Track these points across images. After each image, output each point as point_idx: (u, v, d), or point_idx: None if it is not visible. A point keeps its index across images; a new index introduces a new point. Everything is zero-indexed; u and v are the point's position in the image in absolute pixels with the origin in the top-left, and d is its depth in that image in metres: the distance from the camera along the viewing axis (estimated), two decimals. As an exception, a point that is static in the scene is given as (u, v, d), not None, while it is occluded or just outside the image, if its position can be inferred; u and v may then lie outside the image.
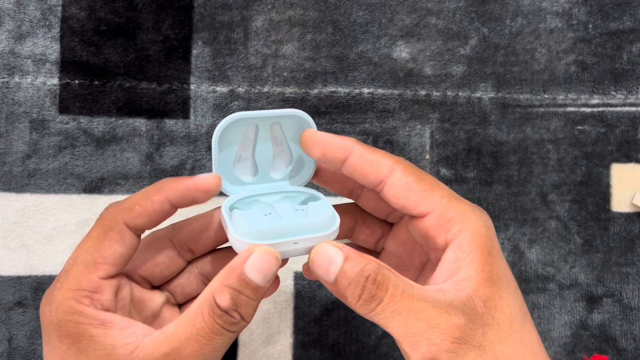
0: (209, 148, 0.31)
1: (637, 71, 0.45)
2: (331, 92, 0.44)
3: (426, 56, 0.45)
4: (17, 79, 0.43)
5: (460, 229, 0.27)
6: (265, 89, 0.44)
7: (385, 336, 0.43)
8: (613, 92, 0.45)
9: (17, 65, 0.43)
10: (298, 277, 0.43)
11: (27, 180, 0.42)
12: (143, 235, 0.30)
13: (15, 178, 0.42)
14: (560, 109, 0.45)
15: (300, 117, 0.31)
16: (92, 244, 0.28)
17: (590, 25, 0.45)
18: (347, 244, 0.32)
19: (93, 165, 0.43)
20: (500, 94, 0.45)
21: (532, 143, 0.44)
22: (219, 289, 0.26)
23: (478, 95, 0.45)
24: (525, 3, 0.45)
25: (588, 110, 0.45)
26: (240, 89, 0.44)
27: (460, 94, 0.44)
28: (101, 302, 0.28)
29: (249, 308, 0.27)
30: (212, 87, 0.44)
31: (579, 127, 0.45)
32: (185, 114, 0.43)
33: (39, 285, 0.42)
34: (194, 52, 0.44)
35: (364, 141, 0.44)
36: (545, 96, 0.45)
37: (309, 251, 0.29)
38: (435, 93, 0.44)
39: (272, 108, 0.44)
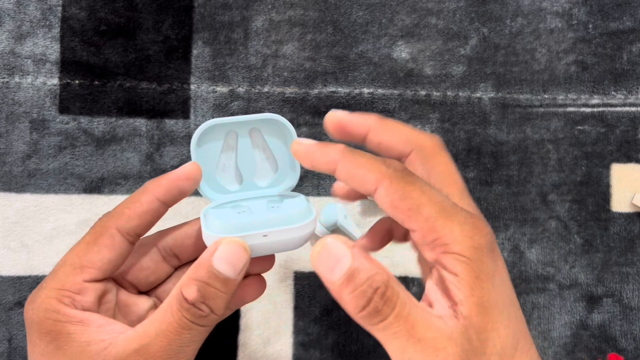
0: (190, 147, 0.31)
1: (637, 71, 0.45)
2: (331, 92, 0.44)
3: (426, 56, 0.45)
4: (17, 79, 0.43)
5: (444, 250, 0.24)
6: (266, 89, 0.44)
7: (385, 336, 0.43)
8: (613, 92, 0.45)
9: (18, 65, 0.43)
10: (298, 277, 0.43)
11: (27, 180, 0.42)
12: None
13: (15, 178, 0.42)
14: (560, 109, 0.45)
15: (277, 120, 0.31)
16: (82, 248, 0.29)
17: (591, 25, 0.45)
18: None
19: (93, 165, 0.43)
20: (500, 94, 0.45)
21: (532, 143, 0.44)
22: (186, 283, 0.26)
23: (478, 95, 0.45)
24: (526, 3, 0.45)
25: (588, 110, 0.45)
26: (240, 89, 0.44)
27: (460, 94, 0.45)
28: (82, 303, 0.28)
29: (218, 300, 0.27)
30: (212, 87, 0.44)
31: (579, 127, 0.45)
32: (185, 114, 0.43)
33: (39, 285, 0.42)
34: (194, 52, 0.44)
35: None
36: (546, 96, 0.45)
37: (283, 246, 0.28)
38: (435, 93, 0.44)
39: (272, 108, 0.44)
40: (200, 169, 0.30)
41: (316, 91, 0.44)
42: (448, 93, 0.44)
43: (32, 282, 0.42)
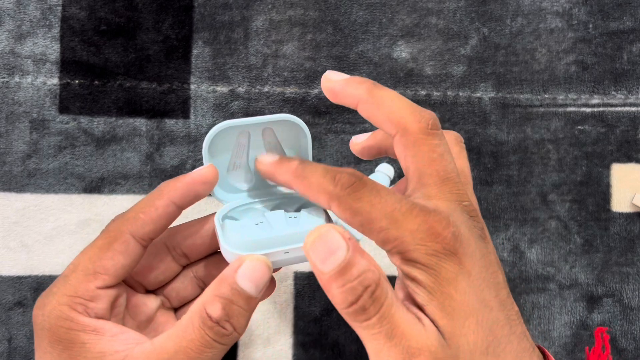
0: (202, 148, 0.31)
1: (638, 71, 0.45)
2: (331, 92, 0.44)
3: (426, 56, 0.45)
4: (17, 79, 0.43)
5: (401, 258, 0.24)
6: (266, 89, 0.44)
7: (386, 336, 0.43)
8: (613, 92, 0.45)
9: (17, 65, 0.43)
10: (298, 277, 0.43)
11: (27, 180, 0.42)
12: None
13: (15, 178, 0.42)
14: (561, 109, 0.45)
15: (291, 121, 0.31)
16: (94, 252, 0.28)
17: (591, 25, 0.45)
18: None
19: (93, 165, 0.43)
20: (500, 93, 0.45)
21: (532, 143, 0.44)
22: (210, 300, 0.26)
23: (478, 95, 0.45)
24: (526, 3, 0.45)
25: (588, 110, 0.45)
26: (240, 88, 0.44)
27: (460, 93, 0.44)
28: (95, 310, 0.27)
29: (241, 319, 0.26)
30: (212, 87, 0.44)
31: (579, 127, 0.45)
32: (185, 114, 0.43)
33: (39, 285, 0.42)
34: (194, 52, 0.44)
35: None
36: (546, 96, 0.45)
37: (301, 260, 0.28)
38: (435, 93, 0.44)
39: (273, 108, 0.44)
40: (217, 173, 0.30)
41: (316, 91, 0.44)
42: (448, 93, 0.44)
43: (32, 282, 0.42)
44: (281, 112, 0.44)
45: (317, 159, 0.44)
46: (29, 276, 0.42)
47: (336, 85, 0.28)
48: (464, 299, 0.23)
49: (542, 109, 0.45)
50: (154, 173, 0.43)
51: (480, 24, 0.45)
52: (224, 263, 0.28)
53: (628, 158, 0.45)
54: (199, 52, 0.44)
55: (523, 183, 0.44)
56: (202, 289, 0.32)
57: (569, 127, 0.45)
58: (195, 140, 0.43)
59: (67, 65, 0.43)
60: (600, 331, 0.43)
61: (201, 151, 0.43)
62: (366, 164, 0.44)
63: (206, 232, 0.31)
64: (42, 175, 0.43)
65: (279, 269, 0.32)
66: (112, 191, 0.43)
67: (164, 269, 0.31)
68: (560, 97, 0.45)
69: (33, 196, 0.42)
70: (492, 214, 0.44)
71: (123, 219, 0.29)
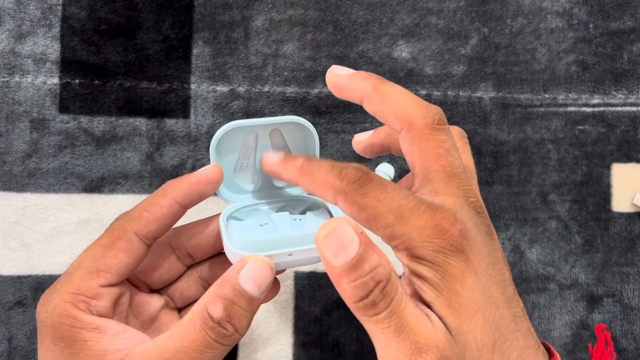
0: (209, 148, 0.31)
1: (638, 71, 0.45)
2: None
3: (427, 56, 0.45)
4: (17, 79, 0.43)
5: (408, 254, 0.24)
6: (266, 89, 0.44)
7: (386, 336, 0.43)
8: (614, 92, 0.45)
9: (18, 64, 0.43)
10: (298, 277, 0.43)
11: (27, 179, 0.42)
12: None
13: (15, 177, 0.42)
14: (561, 109, 0.45)
15: (300, 123, 0.31)
16: (98, 250, 0.28)
17: (591, 25, 0.45)
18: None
19: (93, 165, 0.43)
20: (500, 93, 0.45)
21: (533, 143, 0.44)
22: (212, 300, 0.26)
23: (478, 95, 0.45)
24: (526, 3, 0.45)
25: (589, 110, 0.45)
26: (240, 88, 0.44)
27: (460, 93, 0.44)
28: (98, 308, 0.28)
29: (243, 320, 0.26)
30: (212, 87, 0.44)
31: (580, 127, 0.45)
32: (185, 114, 0.43)
33: (39, 285, 0.42)
34: (195, 51, 0.44)
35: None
36: (546, 96, 0.45)
37: (304, 263, 0.28)
38: (435, 93, 0.44)
39: (273, 108, 0.44)
40: (222, 172, 0.30)
41: (317, 91, 0.44)
42: (448, 93, 0.44)
43: (32, 282, 0.42)
44: (281, 111, 0.44)
45: (317, 158, 0.44)
46: (29, 276, 0.42)
47: (341, 79, 0.28)
48: (471, 296, 0.23)
49: (542, 109, 0.45)
50: (154, 173, 0.43)
51: (480, 24, 0.45)
52: (228, 264, 0.28)
53: (628, 158, 0.45)
54: (199, 51, 0.44)
55: (523, 183, 0.44)
56: (206, 289, 0.31)
57: (570, 127, 0.45)
58: (195, 140, 0.43)
59: (67, 64, 0.43)
60: (600, 328, 0.43)
61: (201, 151, 0.43)
62: (367, 163, 0.44)
63: (211, 232, 0.31)
64: (42, 175, 0.43)
65: (283, 271, 0.31)
66: (112, 191, 0.43)
67: (168, 268, 0.31)
68: (561, 97, 0.45)
69: (33, 196, 0.42)
70: (493, 214, 0.44)
71: (127, 218, 0.29)
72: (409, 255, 0.24)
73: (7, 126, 0.43)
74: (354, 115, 0.44)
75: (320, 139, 0.44)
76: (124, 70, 0.43)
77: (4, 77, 0.43)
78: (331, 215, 0.30)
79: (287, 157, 0.28)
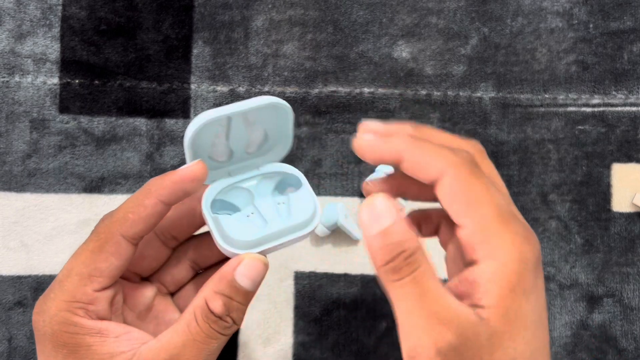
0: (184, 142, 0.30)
1: (638, 71, 0.45)
2: (332, 91, 0.44)
3: (427, 56, 0.45)
4: (17, 79, 0.43)
5: (487, 255, 0.24)
6: (266, 89, 0.44)
7: (385, 336, 0.43)
8: (614, 92, 0.45)
9: (18, 64, 0.43)
10: (298, 277, 0.43)
11: (27, 179, 0.42)
12: None
13: (15, 177, 0.42)
14: (561, 109, 0.45)
15: (271, 103, 0.30)
16: (87, 256, 0.28)
17: (591, 25, 0.45)
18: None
19: (93, 165, 0.43)
20: (500, 93, 0.45)
21: (533, 143, 0.44)
22: (211, 296, 0.28)
23: (479, 95, 0.45)
24: (526, 3, 0.45)
25: (589, 110, 0.45)
26: (240, 88, 0.44)
27: (460, 93, 0.44)
28: (96, 312, 0.28)
29: (239, 313, 0.29)
30: (212, 87, 0.44)
31: (580, 127, 0.45)
32: (185, 114, 0.43)
33: (39, 285, 0.42)
34: (195, 51, 0.44)
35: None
36: (546, 96, 0.45)
37: (291, 243, 0.30)
38: (436, 93, 0.44)
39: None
40: (206, 170, 0.29)
41: (317, 90, 0.44)
42: (449, 93, 0.44)
43: (32, 282, 0.42)
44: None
45: (317, 158, 0.44)
46: (29, 276, 0.42)
47: (373, 142, 0.27)
48: (530, 312, 0.25)
49: (542, 109, 0.45)
50: (154, 173, 0.43)
51: (480, 24, 0.45)
52: (213, 244, 0.30)
53: (628, 158, 0.45)
54: (199, 51, 0.44)
55: (523, 183, 0.44)
56: (196, 271, 0.33)
57: (570, 127, 0.45)
58: (195, 140, 0.43)
59: (67, 64, 0.43)
60: None
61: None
62: (367, 163, 0.44)
63: (192, 211, 0.31)
64: (42, 175, 0.43)
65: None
66: (112, 191, 0.43)
67: (155, 254, 0.32)
68: (561, 97, 0.45)
69: (33, 196, 0.42)
70: (493, 213, 0.44)
71: (112, 220, 0.29)
72: (490, 256, 0.25)
73: (7, 126, 0.43)
74: (354, 115, 0.44)
75: (320, 139, 0.44)
76: (124, 70, 0.43)
77: (4, 77, 0.43)
78: (313, 194, 0.31)
79: (388, 130, 0.27)
